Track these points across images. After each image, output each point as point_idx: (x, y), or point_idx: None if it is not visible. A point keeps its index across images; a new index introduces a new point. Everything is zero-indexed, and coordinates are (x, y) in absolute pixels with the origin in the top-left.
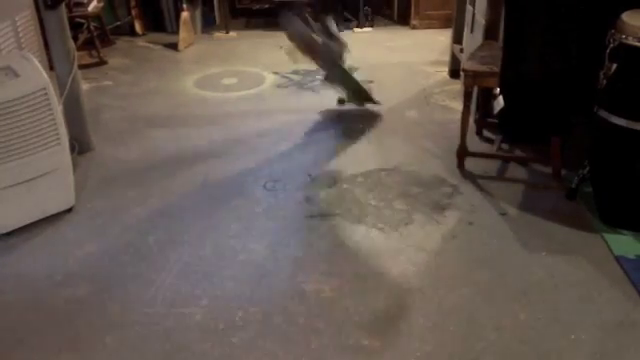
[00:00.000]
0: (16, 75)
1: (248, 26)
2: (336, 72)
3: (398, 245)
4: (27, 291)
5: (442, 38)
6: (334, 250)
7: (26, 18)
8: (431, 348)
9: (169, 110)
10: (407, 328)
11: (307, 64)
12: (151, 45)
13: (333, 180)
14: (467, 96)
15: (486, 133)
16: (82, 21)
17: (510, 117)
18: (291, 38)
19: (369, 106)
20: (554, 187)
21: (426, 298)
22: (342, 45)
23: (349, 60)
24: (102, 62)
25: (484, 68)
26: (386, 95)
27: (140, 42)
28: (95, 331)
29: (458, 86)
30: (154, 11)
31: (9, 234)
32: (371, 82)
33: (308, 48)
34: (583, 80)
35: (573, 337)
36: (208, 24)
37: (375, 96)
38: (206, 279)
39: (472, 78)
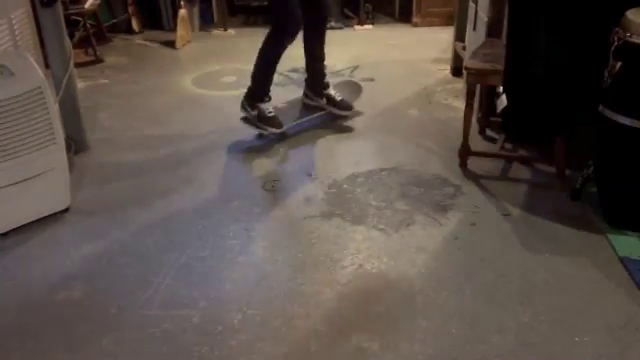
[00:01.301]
0: (11, 74)
1: (246, 23)
2: None
3: (399, 246)
4: (23, 293)
5: (444, 36)
6: (334, 251)
7: (22, 16)
8: (433, 351)
9: (167, 109)
10: (408, 331)
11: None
12: (148, 43)
13: (333, 180)
14: (470, 94)
15: (489, 132)
16: (78, 19)
17: (514, 116)
18: None
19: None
20: (558, 187)
21: (428, 300)
22: None
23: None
24: (98, 60)
25: (487, 66)
26: (387, 93)
27: (137, 40)
28: (92, 333)
29: (460, 84)
30: (151, 8)
31: (5, 235)
32: (372, 80)
33: None
34: (587, 79)
35: (577, 339)
36: (206, 22)
37: (375, 95)
38: (204, 281)
39: (475, 76)
